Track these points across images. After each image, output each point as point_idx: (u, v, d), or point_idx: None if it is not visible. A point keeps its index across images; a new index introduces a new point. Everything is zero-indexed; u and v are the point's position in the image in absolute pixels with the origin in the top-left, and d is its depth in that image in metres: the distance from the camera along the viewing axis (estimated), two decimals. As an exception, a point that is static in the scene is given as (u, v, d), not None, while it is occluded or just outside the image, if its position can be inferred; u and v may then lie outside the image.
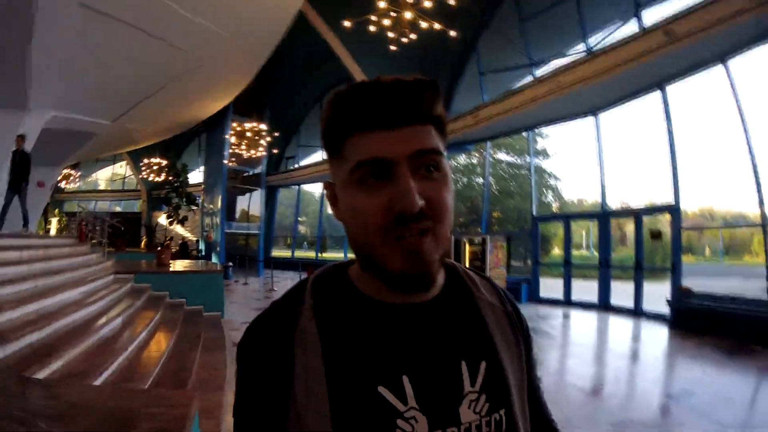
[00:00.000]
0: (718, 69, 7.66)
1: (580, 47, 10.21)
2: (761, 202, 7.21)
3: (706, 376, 5.47)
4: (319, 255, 20.86)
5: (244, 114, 17.00)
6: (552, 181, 18.18)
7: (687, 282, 8.20)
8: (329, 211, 21.35)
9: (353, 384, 0.61)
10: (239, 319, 8.17)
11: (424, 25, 7.79)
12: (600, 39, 9.75)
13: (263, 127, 16.87)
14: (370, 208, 0.60)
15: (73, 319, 4.25)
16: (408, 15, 7.63)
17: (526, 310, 9.24)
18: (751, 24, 6.38)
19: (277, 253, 22.74)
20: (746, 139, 7.31)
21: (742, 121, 7.35)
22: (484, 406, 0.66)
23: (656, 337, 7.56)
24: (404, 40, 8.11)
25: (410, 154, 0.60)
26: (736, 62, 7.43)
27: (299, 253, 22.13)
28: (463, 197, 16.02)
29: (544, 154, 17.59)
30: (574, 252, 11.72)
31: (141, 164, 21.10)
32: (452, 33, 8.16)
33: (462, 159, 15.43)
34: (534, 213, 11.93)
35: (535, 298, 10.97)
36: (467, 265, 9.06)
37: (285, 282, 15.15)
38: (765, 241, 7.10)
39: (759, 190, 7.26)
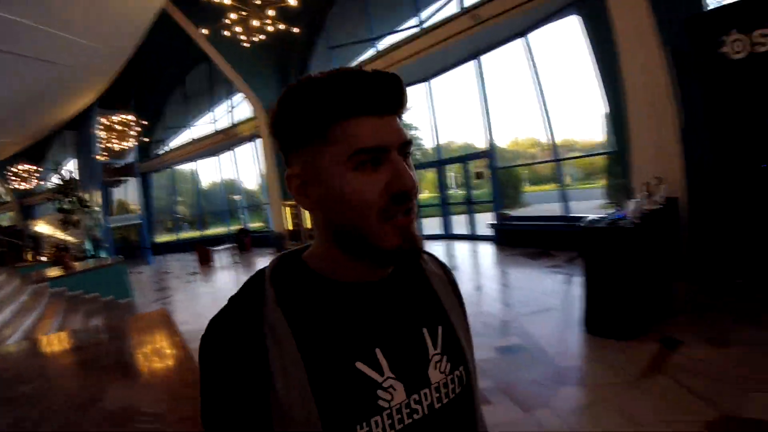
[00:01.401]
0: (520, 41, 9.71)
1: (414, 21, 11.56)
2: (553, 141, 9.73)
3: (510, 273, 7.98)
4: (202, 233, 21.38)
5: (110, 107, 17.03)
6: (412, 132, 19.09)
7: (540, 207, 10.64)
8: (201, 187, 20.63)
9: (331, 365, 0.66)
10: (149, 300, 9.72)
11: (270, 28, 8.78)
12: (430, 14, 11.22)
13: (131, 117, 16.97)
14: (369, 191, 0.66)
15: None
16: (255, 22, 8.57)
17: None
18: (544, 6, 8.32)
19: (162, 238, 22.93)
20: (540, 91, 9.61)
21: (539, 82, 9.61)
22: (447, 366, 0.77)
23: (484, 251, 10.08)
24: (254, 40, 9.06)
25: (401, 143, 0.68)
26: (534, 35, 9.48)
27: (183, 235, 22.46)
28: None
29: None
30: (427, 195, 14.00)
31: (7, 174, 20.26)
32: (295, 30, 9.24)
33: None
34: None
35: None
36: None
37: (178, 263, 16.16)
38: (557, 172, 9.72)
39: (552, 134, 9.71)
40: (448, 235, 12.21)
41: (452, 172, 13.20)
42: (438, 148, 12.87)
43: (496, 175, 11.04)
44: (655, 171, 6.11)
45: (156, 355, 4.06)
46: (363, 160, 0.66)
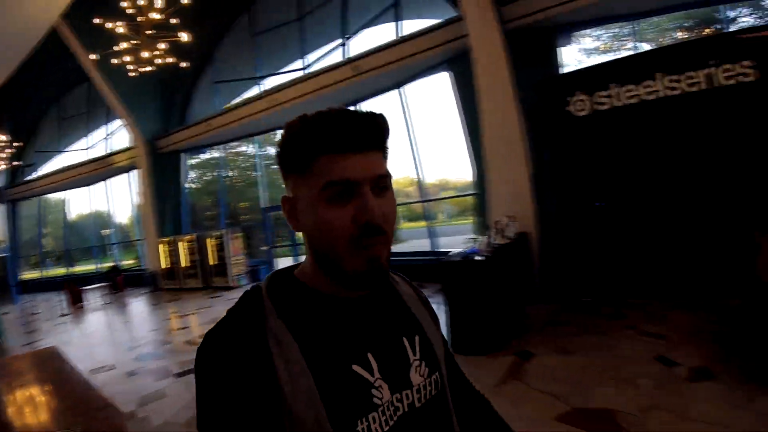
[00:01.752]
0: (395, 93, 10.51)
1: (299, 64, 12.11)
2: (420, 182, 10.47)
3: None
4: (69, 270, 19.56)
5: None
6: None
7: (415, 243, 11.07)
8: (70, 219, 18.81)
9: (332, 369, 0.74)
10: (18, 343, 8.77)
11: (159, 61, 8.80)
12: (316, 59, 11.79)
13: (3, 137, 15.19)
14: (339, 221, 0.73)
15: None
16: (145, 54, 8.56)
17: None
18: (421, 63, 9.18)
19: (28, 275, 20.66)
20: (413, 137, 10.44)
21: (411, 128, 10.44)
22: (426, 370, 0.88)
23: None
24: (142, 70, 9.02)
25: (372, 177, 0.75)
26: (410, 86, 10.34)
27: (49, 272, 20.41)
28: (209, 192, 16.59)
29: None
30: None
31: None
32: (183, 64, 9.30)
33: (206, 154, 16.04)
34: (264, 205, 13.75)
35: None
36: (213, 255, 10.87)
37: (46, 303, 14.67)
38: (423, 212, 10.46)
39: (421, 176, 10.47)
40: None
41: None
42: None
43: None
44: (509, 210, 6.95)
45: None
46: (334, 192, 0.73)
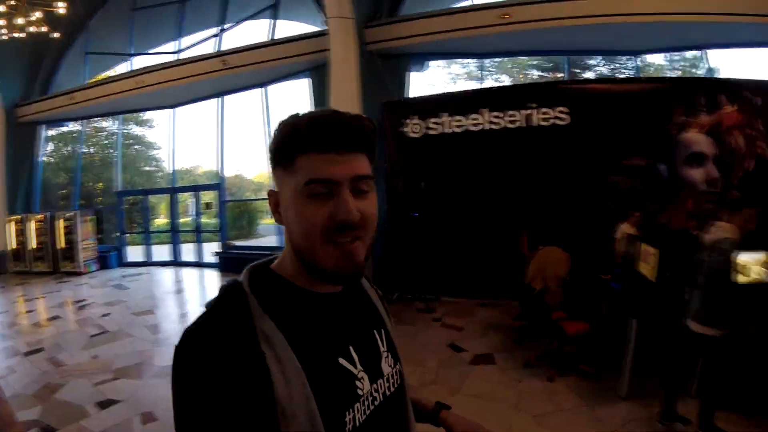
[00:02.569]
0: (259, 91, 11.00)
1: (173, 46, 12.06)
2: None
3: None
4: None
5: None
6: (154, 152, 17.72)
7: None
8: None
9: (321, 363, 0.77)
10: None
11: (32, 29, 8.59)
12: (190, 44, 11.80)
13: None
14: (315, 217, 0.75)
15: None
16: (20, 20, 8.37)
17: (114, 272, 11.28)
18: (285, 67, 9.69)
19: None
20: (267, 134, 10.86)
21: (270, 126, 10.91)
22: (392, 361, 0.96)
23: (209, 277, 10.75)
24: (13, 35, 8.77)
25: (352, 178, 0.77)
26: (273, 87, 10.90)
27: None
28: (65, 169, 15.34)
29: (146, 123, 17.14)
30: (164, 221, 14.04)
31: None
32: (56, 35, 9.15)
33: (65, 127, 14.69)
34: (119, 188, 13.39)
35: (123, 263, 12.81)
36: (62, 238, 10.43)
37: None
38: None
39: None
40: (177, 262, 12.44)
41: (188, 200, 13.54)
42: (173, 176, 13.34)
43: (224, 207, 12.00)
44: None
45: None
46: (315, 189, 0.75)
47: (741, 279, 4.37)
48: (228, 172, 12.01)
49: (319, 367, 0.76)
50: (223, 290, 0.83)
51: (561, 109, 7.07)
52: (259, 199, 12.34)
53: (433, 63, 9.65)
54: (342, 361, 0.82)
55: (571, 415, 3.91)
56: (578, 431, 3.69)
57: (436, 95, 8.04)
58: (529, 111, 7.17)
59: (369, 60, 8.50)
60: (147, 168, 17.59)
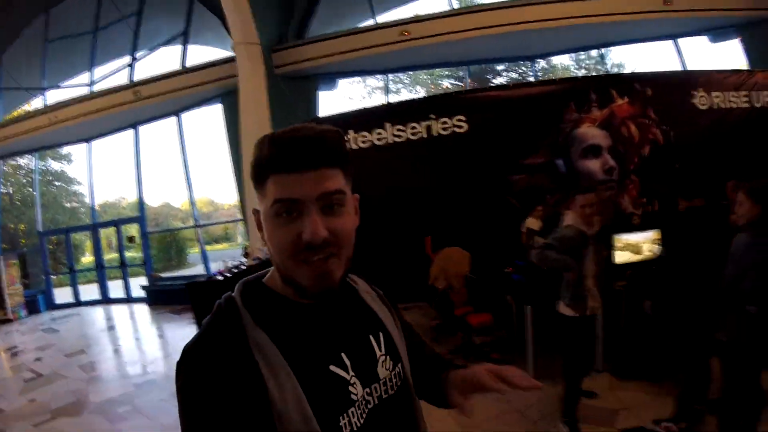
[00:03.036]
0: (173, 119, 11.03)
1: (85, 78, 11.96)
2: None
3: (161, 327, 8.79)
4: None
5: None
6: (75, 187, 17.23)
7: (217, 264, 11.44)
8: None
9: (312, 371, 0.80)
10: None
11: None
12: (103, 74, 11.73)
13: None
14: (284, 238, 0.79)
15: None
16: None
17: (44, 316, 10.98)
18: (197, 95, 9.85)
19: None
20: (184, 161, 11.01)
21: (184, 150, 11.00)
22: (390, 364, 0.97)
23: (138, 312, 10.61)
24: None
25: (318, 196, 0.78)
26: (187, 115, 10.97)
27: None
28: None
29: (65, 158, 16.86)
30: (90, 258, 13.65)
31: None
32: None
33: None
34: (40, 228, 12.97)
35: (51, 305, 12.44)
36: None
37: None
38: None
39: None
40: (106, 299, 12.14)
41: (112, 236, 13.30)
42: (93, 211, 13.13)
43: (147, 239, 11.94)
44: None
45: None
46: (280, 210, 0.78)
47: (618, 259, 4.69)
48: (154, 202, 11.99)
49: (310, 375, 0.79)
50: (218, 306, 0.85)
51: (459, 117, 7.41)
52: (185, 228, 12.16)
53: (345, 80, 9.90)
54: (333, 368, 0.84)
55: (483, 398, 4.08)
56: (491, 413, 3.96)
57: (341, 114, 8.27)
58: (429, 122, 7.46)
59: (278, 83, 8.72)
60: (69, 204, 17.17)
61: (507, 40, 8.62)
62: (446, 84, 12.05)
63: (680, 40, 9.82)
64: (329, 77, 9.53)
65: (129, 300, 11.78)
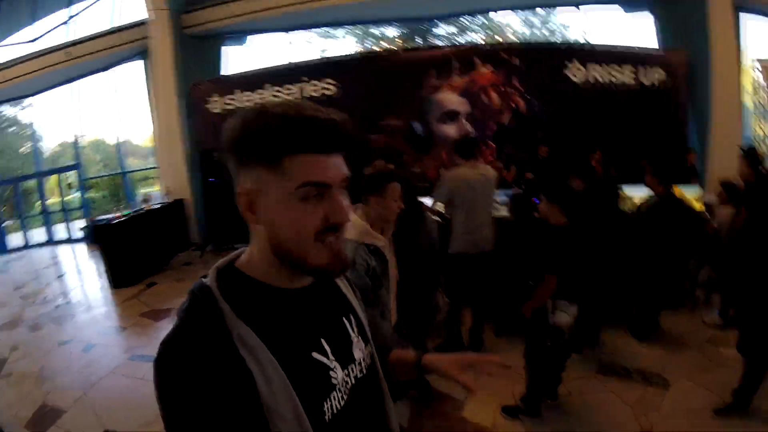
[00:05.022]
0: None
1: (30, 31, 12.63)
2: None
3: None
4: None
5: None
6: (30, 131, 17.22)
7: None
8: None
9: (297, 359, 0.83)
10: None
11: None
12: (43, 30, 12.45)
13: None
14: (310, 220, 0.80)
15: None
16: None
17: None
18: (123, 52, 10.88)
19: None
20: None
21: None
22: (362, 344, 1.03)
23: (78, 252, 11.94)
24: None
25: (342, 179, 0.83)
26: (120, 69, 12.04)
27: None
28: None
29: (19, 104, 16.31)
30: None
31: None
32: None
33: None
34: None
35: (4, 249, 13.55)
36: None
37: None
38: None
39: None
40: (52, 242, 13.51)
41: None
42: (37, 160, 14.80)
43: (83, 186, 13.52)
44: (171, 183, 9.59)
45: None
46: (308, 192, 0.80)
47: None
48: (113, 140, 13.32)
49: (295, 364, 0.82)
50: (193, 296, 0.83)
51: (328, 80, 8.53)
52: (120, 173, 13.43)
53: (248, 40, 11.08)
54: (315, 354, 0.88)
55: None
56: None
57: (231, 75, 9.55)
58: (302, 84, 8.60)
59: (186, 44, 9.92)
60: (24, 150, 17.57)
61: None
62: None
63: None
64: (236, 35, 10.72)
65: (71, 241, 13.20)
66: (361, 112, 8.42)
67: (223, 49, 10.84)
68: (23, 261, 11.89)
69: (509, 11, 11.72)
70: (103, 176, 15.11)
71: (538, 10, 11.99)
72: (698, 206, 5.91)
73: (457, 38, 12.43)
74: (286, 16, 9.69)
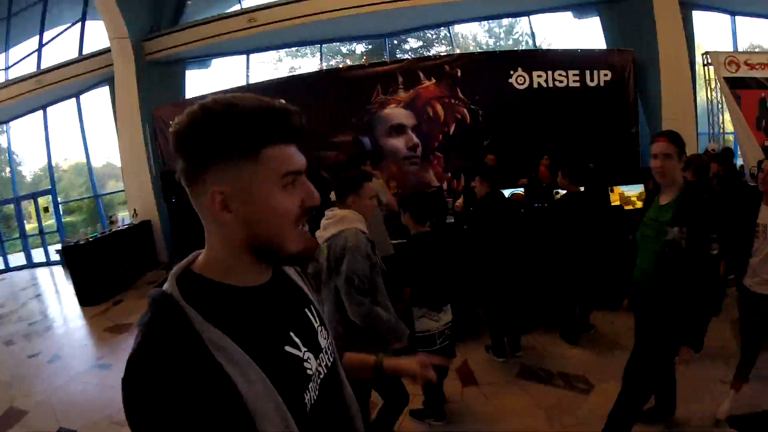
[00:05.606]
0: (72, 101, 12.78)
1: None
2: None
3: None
4: None
5: None
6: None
7: None
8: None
9: (271, 356, 0.84)
10: None
11: None
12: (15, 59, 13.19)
13: None
14: (291, 206, 0.85)
15: None
16: None
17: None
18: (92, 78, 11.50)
19: None
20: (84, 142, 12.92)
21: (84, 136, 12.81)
22: (326, 333, 1.07)
23: (57, 273, 12.53)
24: None
25: (305, 167, 0.89)
26: (85, 96, 12.69)
27: None
28: None
29: None
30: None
31: None
32: None
33: None
34: None
35: None
36: None
37: None
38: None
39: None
40: (30, 264, 14.09)
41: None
42: (14, 185, 15.13)
43: (58, 209, 14.01)
44: (137, 205, 10.02)
45: None
46: (289, 180, 0.85)
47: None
48: (98, 163, 14.08)
49: (270, 361, 0.82)
50: (155, 304, 0.80)
51: (280, 99, 9.03)
52: (87, 197, 14.20)
53: (208, 64, 11.78)
54: (288, 348, 0.90)
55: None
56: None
57: (191, 99, 10.13)
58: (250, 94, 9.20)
59: (147, 69, 10.53)
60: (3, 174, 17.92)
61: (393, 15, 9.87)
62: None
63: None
64: (198, 60, 11.39)
65: (49, 263, 13.71)
66: (312, 129, 8.89)
67: (187, 72, 11.49)
68: (3, 283, 12.45)
69: (473, 23, 12.32)
70: (76, 200, 15.61)
71: (504, 20, 12.53)
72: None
73: (423, 51, 12.88)
74: (245, 39, 10.37)
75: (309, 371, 0.92)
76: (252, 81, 11.28)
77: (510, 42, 13.21)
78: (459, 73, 9.13)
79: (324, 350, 1.02)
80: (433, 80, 9.17)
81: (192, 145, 0.80)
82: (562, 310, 4.90)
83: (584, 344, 4.63)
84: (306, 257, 0.93)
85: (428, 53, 12.04)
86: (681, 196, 2.50)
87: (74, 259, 8.30)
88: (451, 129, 9.25)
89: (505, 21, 12.74)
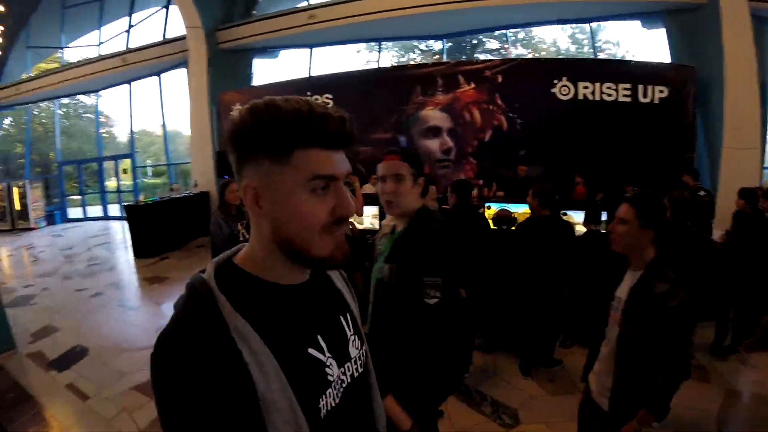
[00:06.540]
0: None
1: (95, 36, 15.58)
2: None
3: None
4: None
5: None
6: (103, 119, 19.87)
7: None
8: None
9: (293, 355, 0.85)
10: None
11: None
12: (108, 36, 15.27)
13: None
14: (318, 211, 0.84)
15: None
16: None
17: (58, 227, 14.99)
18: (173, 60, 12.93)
19: None
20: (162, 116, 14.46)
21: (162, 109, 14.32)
22: (358, 343, 1.07)
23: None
24: None
25: (346, 174, 0.88)
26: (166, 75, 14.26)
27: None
28: (22, 142, 18.81)
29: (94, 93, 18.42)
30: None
31: None
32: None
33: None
34: (59, 159, 17.27)
35: (65, 219, 16.61)
36: (18, 201, 14.12)
37: None
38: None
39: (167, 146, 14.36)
40: (106, 217, 16.27)
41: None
42: (99, 146, 17.22)
43: (135, 172, 15.93)
44: (199, 177, 11.49)
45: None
46: (318, 185, 0.84)
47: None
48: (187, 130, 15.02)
49: (291, 360, 0.84)
50: (192, 289, 0.84)
51: (327, 95, 9.96)
52: (179, 163, 15.86)
53: (274, 55, 12.98)
54: (311, 351, 0.90)
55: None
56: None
57: (254, 86, 11.29)
58: (306, 98, 10.08)
59: (219, 57, 11.84)
60: (103, 133, 19.92)
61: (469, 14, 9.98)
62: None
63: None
64: (266, 50, 12.57)
65: (121, 219, 15.28)
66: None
67: (255, 61, 12.73)
68: (78, 230, 14.40)
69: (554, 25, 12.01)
70: (150, 165, 17.45)
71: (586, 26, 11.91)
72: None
73: (500, 53, 13.01)
74: (308, 34, 11.33)
75: (330, 377, 0.93)
76: (314, 74, 12.10)
77: (588, 49, 12.46)
78: (499, 79, 9.10)
79: (353, 359, 1.03)
80: (473, 85, 9.28)
81: (235, 139, 0.85)
82: (521, 338, 4.57)
83: (539, 378, 4.31)
84: (333, 263, 0.91)
85: (507, 55, 12.10)
86: (407, 228, 1.97)
87: (134, 217, 9.74)
88: (487, 135, 9.29)
89: (587, 27, 11.96)
